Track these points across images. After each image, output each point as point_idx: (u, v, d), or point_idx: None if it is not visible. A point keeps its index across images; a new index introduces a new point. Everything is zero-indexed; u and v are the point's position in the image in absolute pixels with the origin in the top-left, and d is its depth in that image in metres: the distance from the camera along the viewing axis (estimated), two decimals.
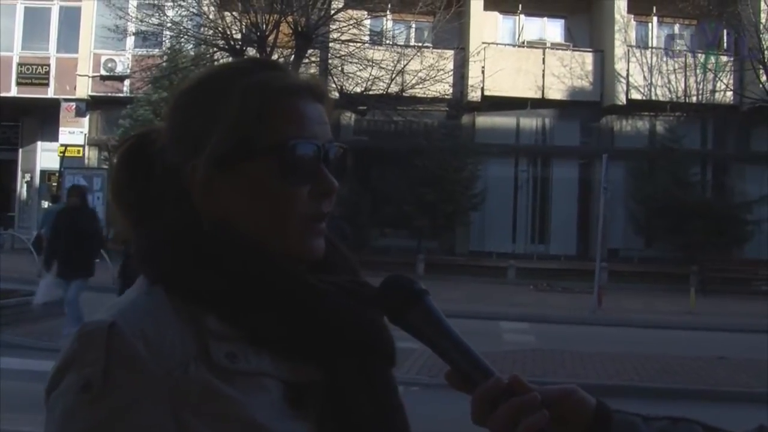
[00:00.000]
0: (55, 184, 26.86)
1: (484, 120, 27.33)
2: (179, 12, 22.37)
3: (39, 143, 28.58)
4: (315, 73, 23.42)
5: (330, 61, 23.56)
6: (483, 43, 26.08)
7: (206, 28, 22.83)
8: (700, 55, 26.07)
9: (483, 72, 25.83)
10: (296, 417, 1.12)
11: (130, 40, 25.01)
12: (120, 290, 7.85)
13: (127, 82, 26.54)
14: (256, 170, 1.17)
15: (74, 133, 27.13)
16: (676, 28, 28.11)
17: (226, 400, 1.07)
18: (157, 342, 1.07)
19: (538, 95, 26.53)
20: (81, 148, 27.05)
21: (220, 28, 22.03)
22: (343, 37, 22.90)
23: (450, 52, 25.60)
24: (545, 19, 28.19)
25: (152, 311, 1.11)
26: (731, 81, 26.11)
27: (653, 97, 26.44)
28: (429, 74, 23.60)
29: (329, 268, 1.26)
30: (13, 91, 27.39)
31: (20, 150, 28.84)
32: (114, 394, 1.04)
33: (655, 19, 27.66)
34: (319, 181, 1.20)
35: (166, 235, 1.18)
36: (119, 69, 26.62)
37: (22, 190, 28.74)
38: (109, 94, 26.26)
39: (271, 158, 1.17)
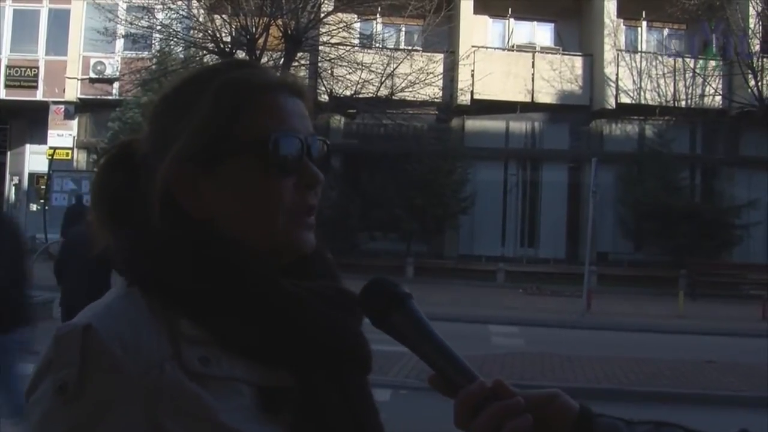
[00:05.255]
0: (43, 186, 26.77)
1: (473, 123, 27.35)
2: (169, 15, 22.35)
3: (27, 146, 28.46)
4: (304, 76, 23.53)
5: (320, 64, 23.56)
6: (473, 46, 26.10)
7: (196, 31, 22.81)
8: (689, 59, 26.16)
9: (473, 75, 25.85)
10: (269, 422, 1.12)
11: (120, 43, 24.96)
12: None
13: (116, 85, 26.46)
14: (239, 166, 1.18)
15: (63, 135, 27.05)
16: (665, 32, 28.22)
17: (199, 403, 1.07)
18: (132, 343, 1.07)
19: (528, 99, 26.57)
20: (70, 151, 26.98)
21: (209, 31, 22.01)
22: (333, 41, 22.91)
23: (440, 56, 25.60)
24: (535, 23, 28.25)
25: (128, 313, 1.11)
26: (720, 85, 26.21)
27: (642, 101, 26.51)
28: (419, 78, 23.60)
29: (308, 273, 1.26)
30: (2, 94, 27.30)
31: (8, 153, 28.74)
32: (90, 395, 1.04)
33: (644, 23, 27.73)
34: (303, 172, 1.20)
35: (144, 237, 1.18)
36: (108, 71, 26.55)
37: (10, 193, 28.62)
38: (99, 97, 26.18)
39: (253, 153, 1.17)
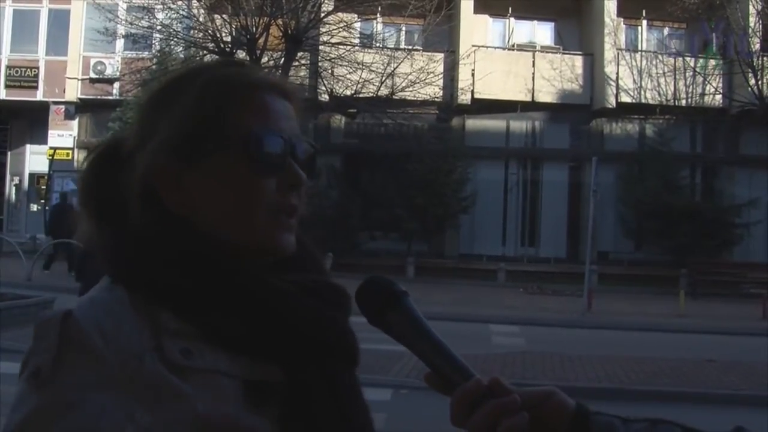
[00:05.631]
0: (44, 187, 26.79)
1: (474, 123, 27.35)
2: (169, 15, 22.35)
3: (28, 146, 28.50)
4: (305, 76, 23.54)
5: (320, 64, 23.57)
6: (473, 46, 26.11)
7: (196, 31, 22.82)
8: (689, 58, 26.16)
9: (473, 75, 25.86)
10: (254, 416, 1.11)
11: (120, 43, 24.97)
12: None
13: (116, 85, 26.46)
14: (223, 162, 1.18)
15: (63, 136, 27.06)
16: (666, 31, 28.22)
17: (179, 395, 1.06)
18: (113, 334, 1.07)
19: (528, 98, 26.57)
20: (70, 151, 26.98)
21: (209, 31, 22.01)
22: (333, 40, 22.92)
23: (440, 55, 25.61)
24: (535, 22, 28.25)
25: (110, 306, 1.11)
26: (720, 84, 26.21)
27: (643, 100, 26.51)
28: (419, 77, 23.61)
29: (295, 266, 1.25)
30: (2, 94, 27.32)
31: (9, 153, 28.76)
32: (63, 381, 1.03)
33: (644, 22, 27.73)
34: (286, 173, 1.20)
35: (129, 233, 1.18)
36: (109, 72, 26.56)
37: (10, 193, 28.64)
38: (99, 97, 26.18)
39: (238, 149, 1.17)
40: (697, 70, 26.04)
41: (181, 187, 1.19)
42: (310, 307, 1.19)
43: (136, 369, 1.06)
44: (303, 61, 23.38)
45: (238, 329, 1.13)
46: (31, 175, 28.46)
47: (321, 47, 23.11)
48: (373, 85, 23.39)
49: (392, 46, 25.41)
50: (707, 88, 26.12)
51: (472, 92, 26.03)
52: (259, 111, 1.21)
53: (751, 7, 24.73)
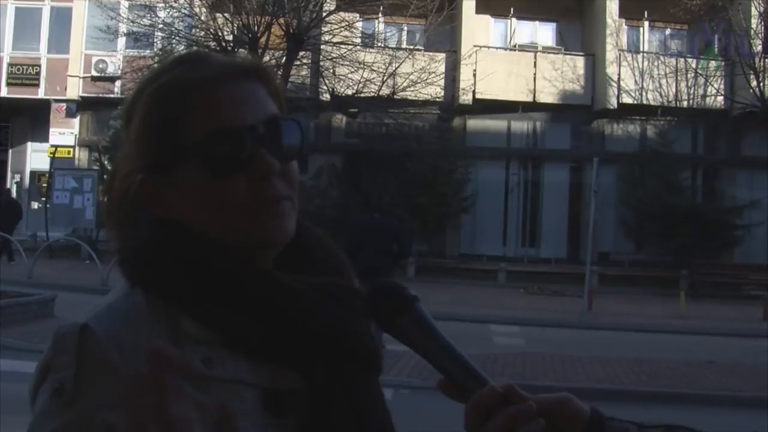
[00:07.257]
0: (45, 185, 26.79)
1: (475, 123, 27.34)
2: (171, 13, 22.38)
3: (29, 144, 28.51)
4: (306, 75, 23.53)
5: (321, 63, 23.58)
6: (475, 46, 26.09)
7: (198, 30, 22.85)
8: (690, 59, 26.15)
9: (474, 75, 25.84)
10: (274, 426, 1.10)
11: (122, 41, 24.98)
12: None
13: (118, 83, 26.46)
14: (186, 172, 1.15)
15: (65, 133, 27.08)
16: (668, 32, 28.20)
17: (198, 408, 1.04)
18: (129, 345, 1.05)
19: (530, 99, 26.54)
20: (71, 149, 27.01)
21: (211, 30, 22.05)
22: (335, 40, 22.94)
23: (441, 55, 25.60)
24: (537, 22, 28.23)
25: (128, 314, 1.09)
26: (722, 85, 26.18)
27: (644, 101, 26.48)
28: (420, 77, 23.63)
29: (313, 268, 1.23)
30: (4, 92, 27.33)
31: (10, 151, 28.77)
32: (85, 398, 1.02)
33: (646, 23, 27.71)
34: (252, 166, 1.14)
35: (145, 237, 1.17)
36: (110, 70, 26.56)
37: (12, 190, 28.63)
38: (100, 95, 26.17)
39: (194, 156, 1.14)
40: (699, 71, 26.01)
41: (162, 196, 1.17)
42: (329, 312, 1.16)
43: None
44: (304, 61, 23.41)
45: (255, 334, 1.11)
46: (33, 173, 28.47)
47: (322, 46, 23.13)
48: (375, 84, 23.40)
49: (394, 46, 25.43)
50: (709, 89, 26.08)
51: (474, 92, 26.01)
52: (209, 111, 1.15)
53: (753, 8, 24.70)
